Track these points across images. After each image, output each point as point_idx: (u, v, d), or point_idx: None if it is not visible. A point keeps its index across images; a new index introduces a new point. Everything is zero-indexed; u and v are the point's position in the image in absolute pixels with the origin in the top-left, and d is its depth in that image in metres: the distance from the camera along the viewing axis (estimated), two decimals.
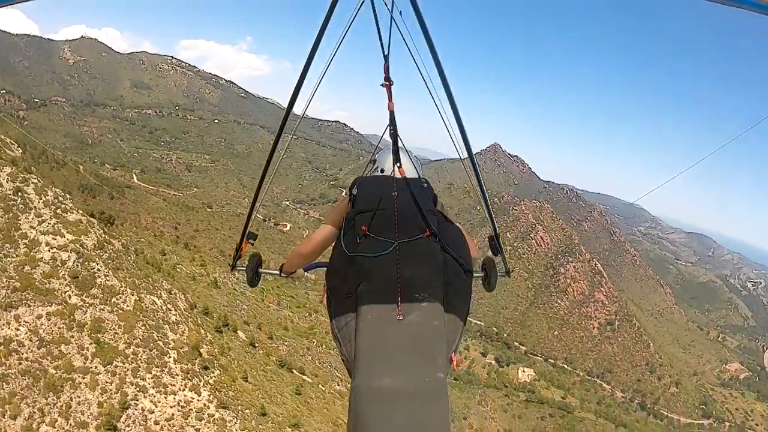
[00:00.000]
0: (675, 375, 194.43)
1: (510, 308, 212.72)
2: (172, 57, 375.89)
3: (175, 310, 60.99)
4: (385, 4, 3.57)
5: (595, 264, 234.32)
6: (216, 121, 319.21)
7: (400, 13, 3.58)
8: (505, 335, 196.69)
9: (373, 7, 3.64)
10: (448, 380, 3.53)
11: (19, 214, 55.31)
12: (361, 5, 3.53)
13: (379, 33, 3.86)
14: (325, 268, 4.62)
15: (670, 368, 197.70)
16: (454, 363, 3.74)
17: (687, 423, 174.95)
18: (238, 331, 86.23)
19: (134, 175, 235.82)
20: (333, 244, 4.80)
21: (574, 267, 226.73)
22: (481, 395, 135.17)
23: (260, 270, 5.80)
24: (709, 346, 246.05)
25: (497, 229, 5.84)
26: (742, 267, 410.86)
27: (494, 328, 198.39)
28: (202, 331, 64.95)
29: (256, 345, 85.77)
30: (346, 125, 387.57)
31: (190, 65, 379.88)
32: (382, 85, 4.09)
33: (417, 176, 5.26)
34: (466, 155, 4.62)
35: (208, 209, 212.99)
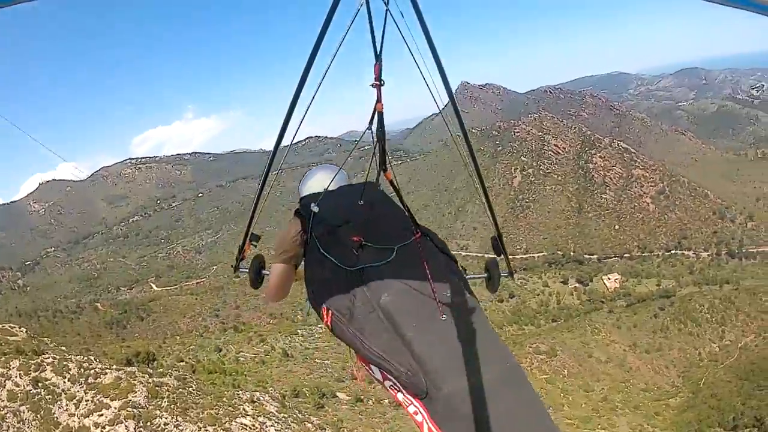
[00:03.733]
0: (743, 210, 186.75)
1: (562, 226, 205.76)
2: (130, 159, 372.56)
3: (270, 421, 51.64)
4: (385, 3, 3.43)
5: (617, 144, 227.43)
6: (200, 195, 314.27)
7: (402, 14, 3.42)
8: (571, 253, 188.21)
9: (368, 7, 3.48)
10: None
11: (50, 406, 46.27)
12: (361, 6, 3.42)
13: (372, 33, 3.68)
14: (314, 293, 4.37)
15: (735, 205, 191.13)
16: None
17: None
18: (338, 394, 78.19)
19: (152, 285, 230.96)
20: (298, 275, 4.92)
21: (600, 157, 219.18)
22: (589, 324, 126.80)
23: (263, 272, 5.70)
24: (753, 166, 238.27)
25: (500, 229, 5.58)
26: (738, 79, 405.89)
27: (558, 252, 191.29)
28: (307, 425, 55.92)
29: (363, 398, 77.33)
30: (319, 137, 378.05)
31: (150, 158, 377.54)
32: (372, 85, 3.84)
33: (345, 183, 5.39)
34: (469, 158, 4.63)
35: (236, 279, 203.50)
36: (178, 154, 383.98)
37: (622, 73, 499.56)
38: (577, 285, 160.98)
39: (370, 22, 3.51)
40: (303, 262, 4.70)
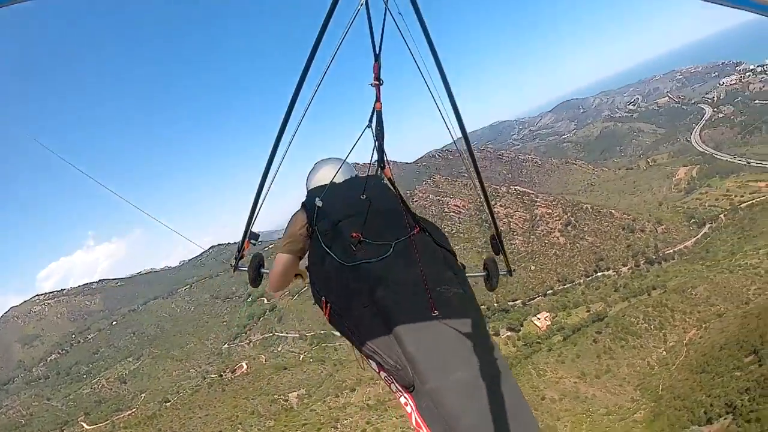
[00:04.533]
0: (650, 217, 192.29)
1: (479, 281, 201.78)
2: (37, 295, 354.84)
3: None
4: (385, 3, 3.65)
5: (514, 189, 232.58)
6: (114, 323, 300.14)
7: (400, 14, 3.67)
8: (495, 305, 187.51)
9: (367, 7, 3.71)
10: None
11: None
12: (361, 6, 3.62)
13: (371, 33, 3.89)
14: (316, 286, 4.62)
15: (642, 215, 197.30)
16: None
17: (695, 242, 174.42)
18: None
19: (83, 424, 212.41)
20: (300, 266, 5.18)
21: (501, 206, 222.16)
22: (533, 367, 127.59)
23: (262, 270, 5.88)
24: (647, 175, 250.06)
25: (499, 228, 6.23)
26: (613, 100, 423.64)
27: (482, 306, 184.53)
28: None
29: None
30: (221, 244, 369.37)
31: (58, 291, 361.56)
32: (371, 84, 4.06)
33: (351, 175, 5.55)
34: (468, 159, 5.13)
35: (167, 404, 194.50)
36: (85, 284, 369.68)
37: (503, 121, 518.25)
38: (509, 333, 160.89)
39: (369, 22, 3.69)
40: (307, 255, 4.87)
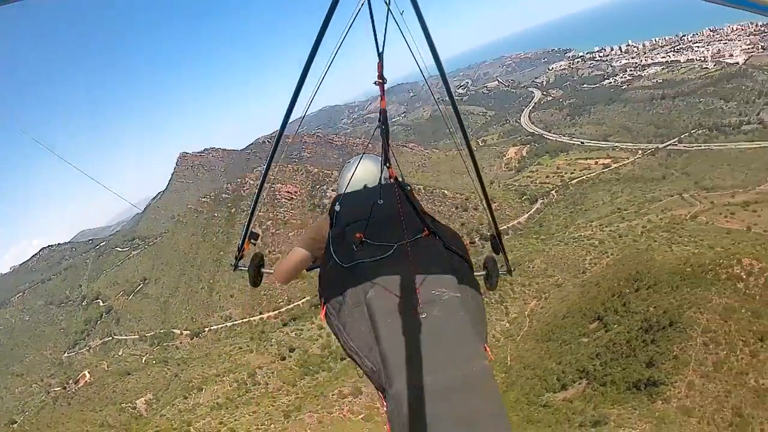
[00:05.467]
0: (493, 200, 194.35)
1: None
2: None
3: None
4: (386, 3, 3.66)
5: None
6: None
7: (401, 13, 3.70)
8: None
9: (370, 6, 3.74)
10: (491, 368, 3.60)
11: None
12: (362, 5, 3.70)
13: (374, 31, 3.89)
14: (320, 287, 4.69)
15: (475, 193, 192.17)
16: (489, 354, 3.80)
17: (528, 217, 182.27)
18: None
19: None
20: (313, 262, 5.32)
21: (333, 190, 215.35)
22: None
23: (263, 270, 6.03)
24: (479, 155, 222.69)
25: (498, 227, 6.42)
26: (441, 86, 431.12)
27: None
28: None
29: None
30: (51, 246, 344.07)
31: None
32: (375, 83, 4.11)
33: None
34: (469, 160, 5.35)
35: (14, 425, 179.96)
36: None
37: (332, 106, 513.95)
38: None
39: (372, 21, 3.69)
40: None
